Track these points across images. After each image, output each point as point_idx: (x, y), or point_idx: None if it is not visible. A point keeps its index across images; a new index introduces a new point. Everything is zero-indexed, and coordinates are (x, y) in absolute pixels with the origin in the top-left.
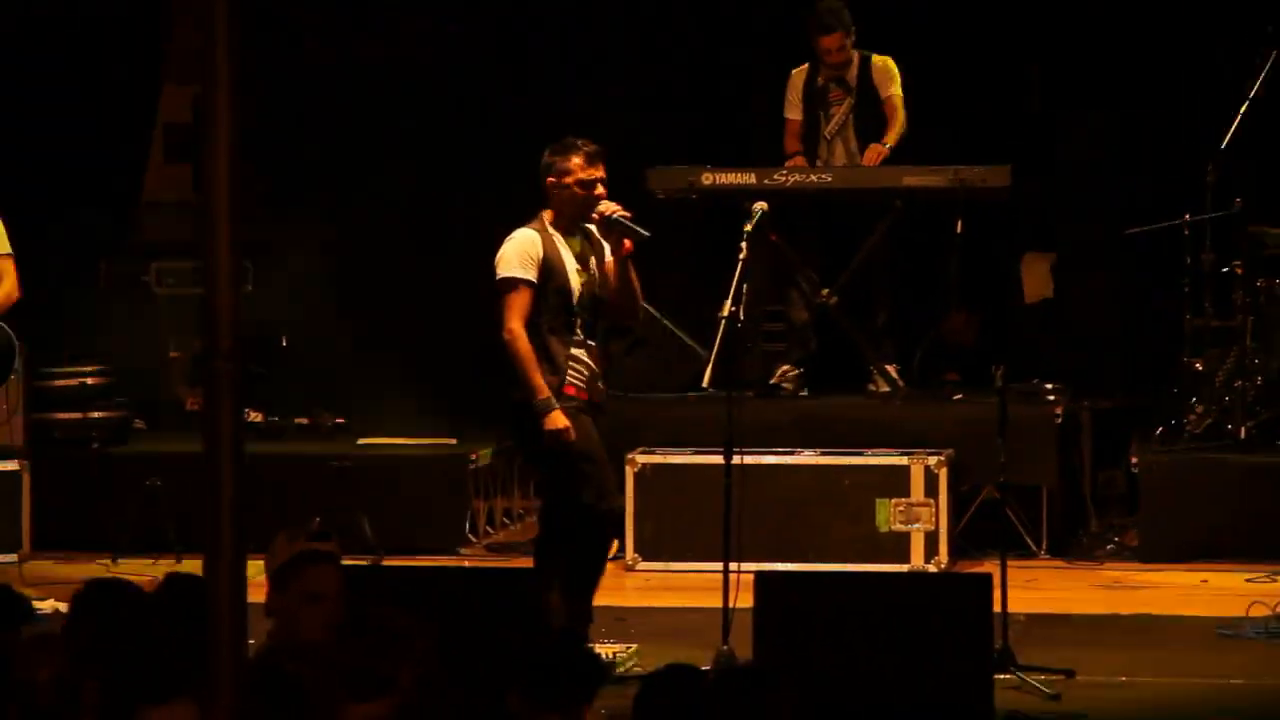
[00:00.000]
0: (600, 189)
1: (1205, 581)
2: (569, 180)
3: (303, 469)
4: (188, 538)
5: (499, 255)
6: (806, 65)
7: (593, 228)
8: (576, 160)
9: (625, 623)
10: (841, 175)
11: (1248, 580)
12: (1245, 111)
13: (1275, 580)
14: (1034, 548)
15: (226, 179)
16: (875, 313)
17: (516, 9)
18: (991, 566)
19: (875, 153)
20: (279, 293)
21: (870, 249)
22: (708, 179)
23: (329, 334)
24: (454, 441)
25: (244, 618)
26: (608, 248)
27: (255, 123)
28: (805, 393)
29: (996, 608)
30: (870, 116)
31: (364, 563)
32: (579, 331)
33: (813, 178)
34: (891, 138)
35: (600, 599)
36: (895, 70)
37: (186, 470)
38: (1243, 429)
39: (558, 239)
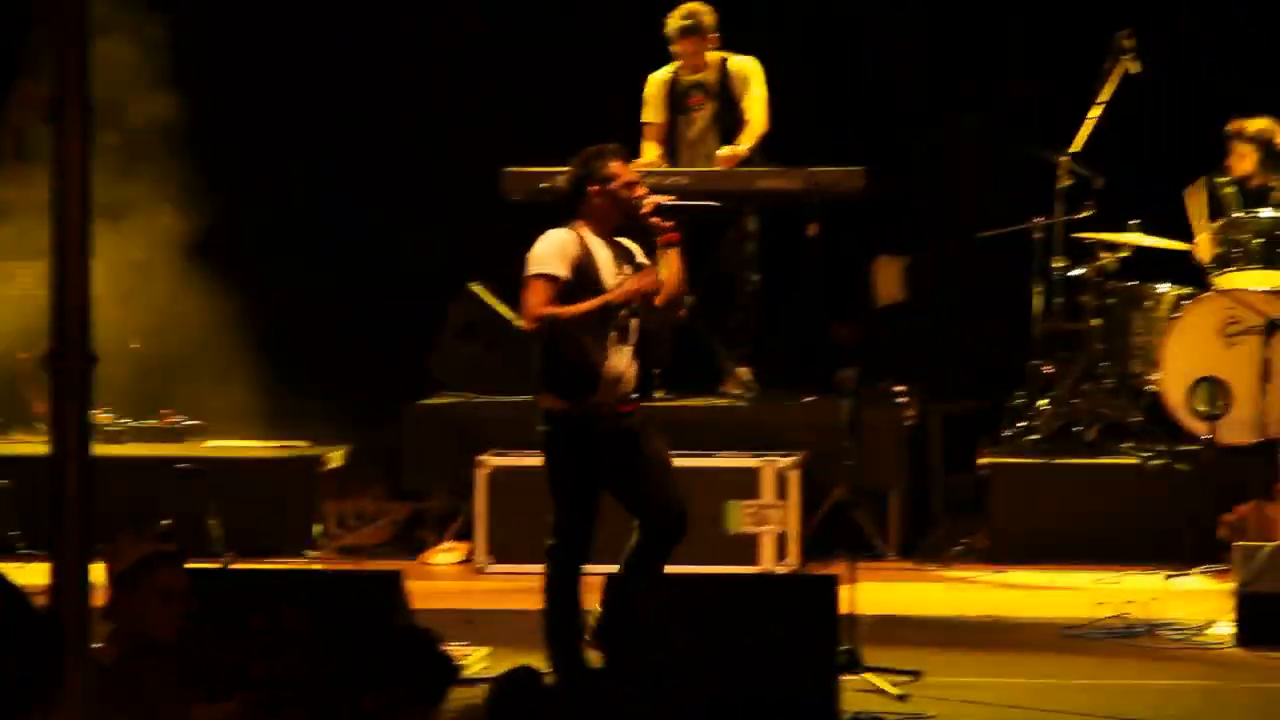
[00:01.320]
0: (641, 188)
1: (1052, 583)
2: (615, 185)
3: (151, 471)
4: (33, 540)
5: (531, 252)
6: (666, 69)
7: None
8: (615, 164)
9: (475, 625)
10: (697, 178)
11: (1095, 582)
12: (1096, 117)
13: (1121, 582)
14: (883, 550)
15: (79, 184)
16: (731, 315)
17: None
18: (841, 568)
19: (729, 155)
20: (130, 293)
21: (725, 252)
22: (563, 180)
23: (180, 335)
24: (305, 444)
25: (89, 618)
26: (637, 253)
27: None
28: (660, 395)
29: (845, 609)
30: (733, 120)
31: (214, 565)
32: (617, 338)
33: (668, 180)
34: (747, 139)
35: (450, 601)
36: (756, 72)
37: (32, 472)
38: (1089, 431)
39: (596, 243)
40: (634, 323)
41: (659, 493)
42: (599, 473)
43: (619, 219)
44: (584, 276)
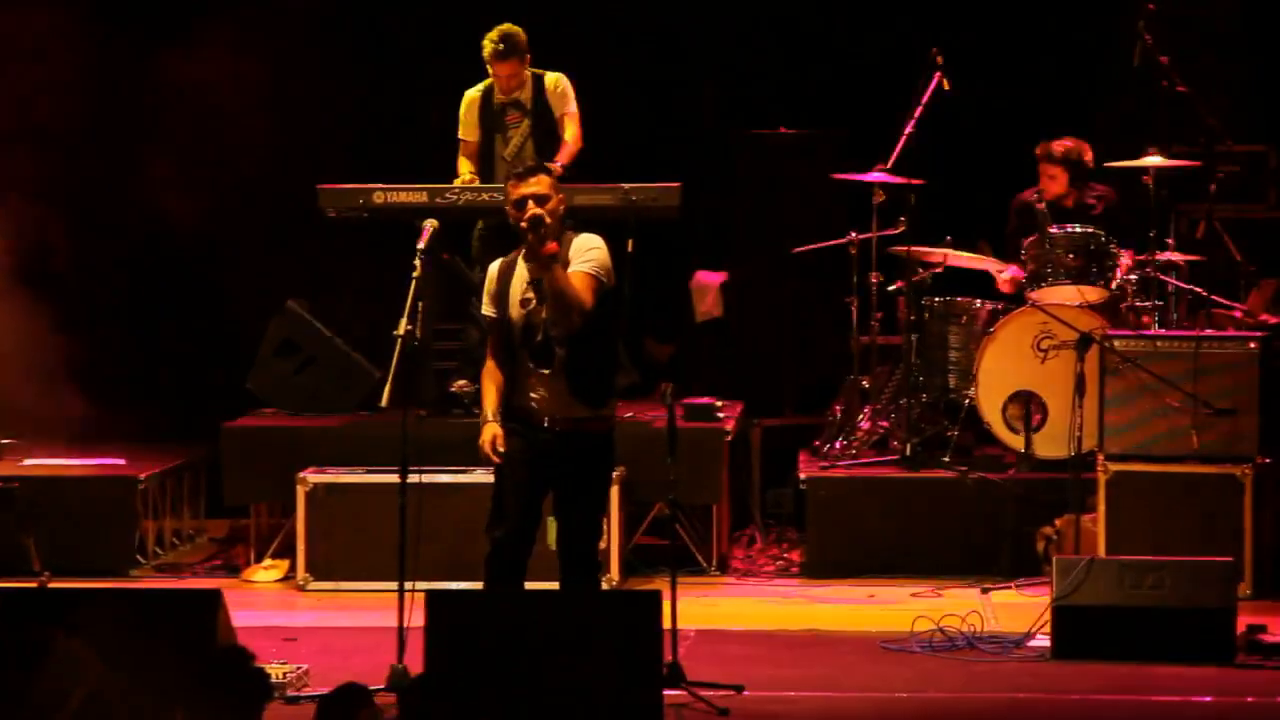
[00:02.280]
0: (530, 205)
1: (872, 597)
2: (509, 208)
3: None
4: None
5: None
6: (482, 86)
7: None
8: (510, 184)
9: (296, 643)
10: None
11: (913, 595)
12: (911, 133)
13: (940, 595)
14: (705, 564)
15: None
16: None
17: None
18: (663, 583)
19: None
20: None
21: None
22: (379, 197)
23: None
24: (123, 461)
25: None
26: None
27: None
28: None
29: (667, 624)
30: (549, 136)
31: (31, 585)
32: (529, 363)
33: (484, 196)
34: (564, 156)
35: (270, 619)
36: (568, 87)
37: None
38: (907, 445)
39: (519, 268)
40: None
41: None
42: None
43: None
44: (499, 308)
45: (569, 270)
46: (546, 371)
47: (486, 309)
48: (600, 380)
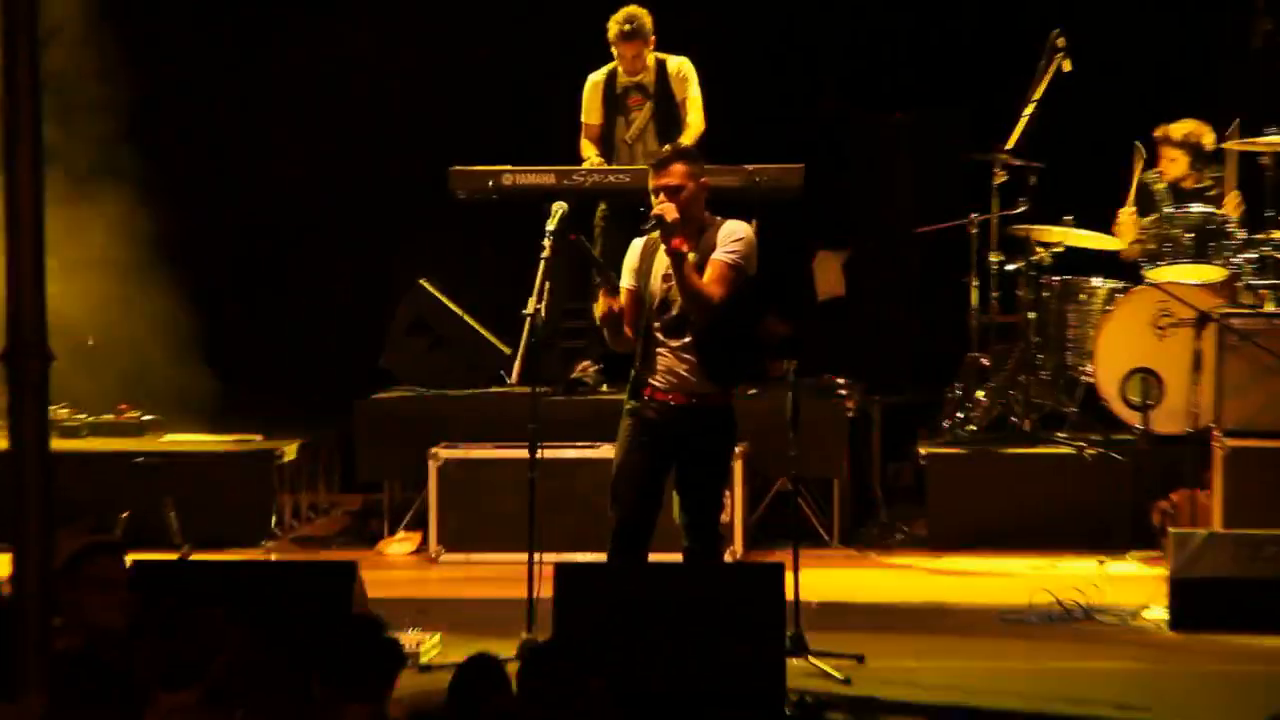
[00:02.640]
0: (661, 197)
1: (991, 570)
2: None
3: (110, 465)
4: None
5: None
6: (605, 69)
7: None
8: (650, 174)
9: (428, 614)
10: (637, 176)
11: (1032, 568)
12: (1030, 115)
13: (1058, 568)
14: (826, 537)
15: (31, 188)
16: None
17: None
18: (785, 556)
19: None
20: (86, 291)
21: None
22: (508, 179)
23: (137, 333)
24: (260, 437)
25: (50, 606)
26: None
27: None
28: (605, 388)
29: (790, 596)
30: (671, 119)
31: (172, 557)
32: (658, 334)
33: (610, 178)
34: (686, 139)
35: (403, 591)
36: (691, 72)
37: None
38: (1025, 421)
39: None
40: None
41: None
42: None
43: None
44: (640, 281)
45: (713, 256)
46: (676, 344)
47: (626, 280)
48: (730, 359)
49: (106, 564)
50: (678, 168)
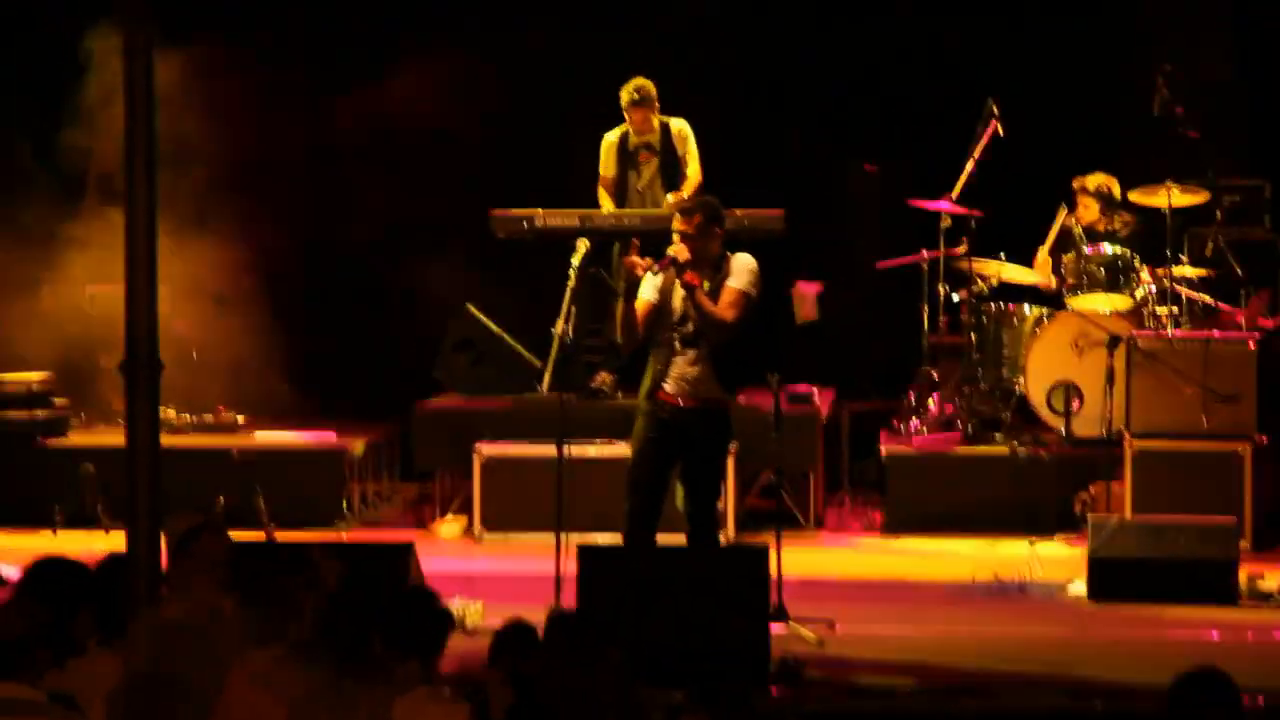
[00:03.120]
0: (676, 239)
1: (940, 551)
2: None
3: (209, 458)
4: (114, 514)
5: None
6: (619, 130)
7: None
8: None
9: (473, 585)
10: (647, 219)
11: (974, 549)
12: (970, 169)
13: (995, 549)
14: (803, 522)
15: (145, 227)
16: None
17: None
18: (769, 538)
19: (674, 201)
20: (191, 312)
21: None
22: (540, 221)
23: (233, 345)
24: (333, 435)
25: (158, 578)
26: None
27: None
28: (620, 395)
29: (773, 572)
30: (674, 171)
31: (260, 536)
32: (675, 343)
33: (624, 221)
34: (687, 189)
35: (451, 566)
36: (690, 132)
37: (113, 459)
38: (969, 425)
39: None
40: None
41: None
42: None
43: None
44: (663, 299)
45: (727, 283)
46: (691, 354)
47: (648, 294)
48: (736, 368)
49: (211, 544)
50: (696, 218)
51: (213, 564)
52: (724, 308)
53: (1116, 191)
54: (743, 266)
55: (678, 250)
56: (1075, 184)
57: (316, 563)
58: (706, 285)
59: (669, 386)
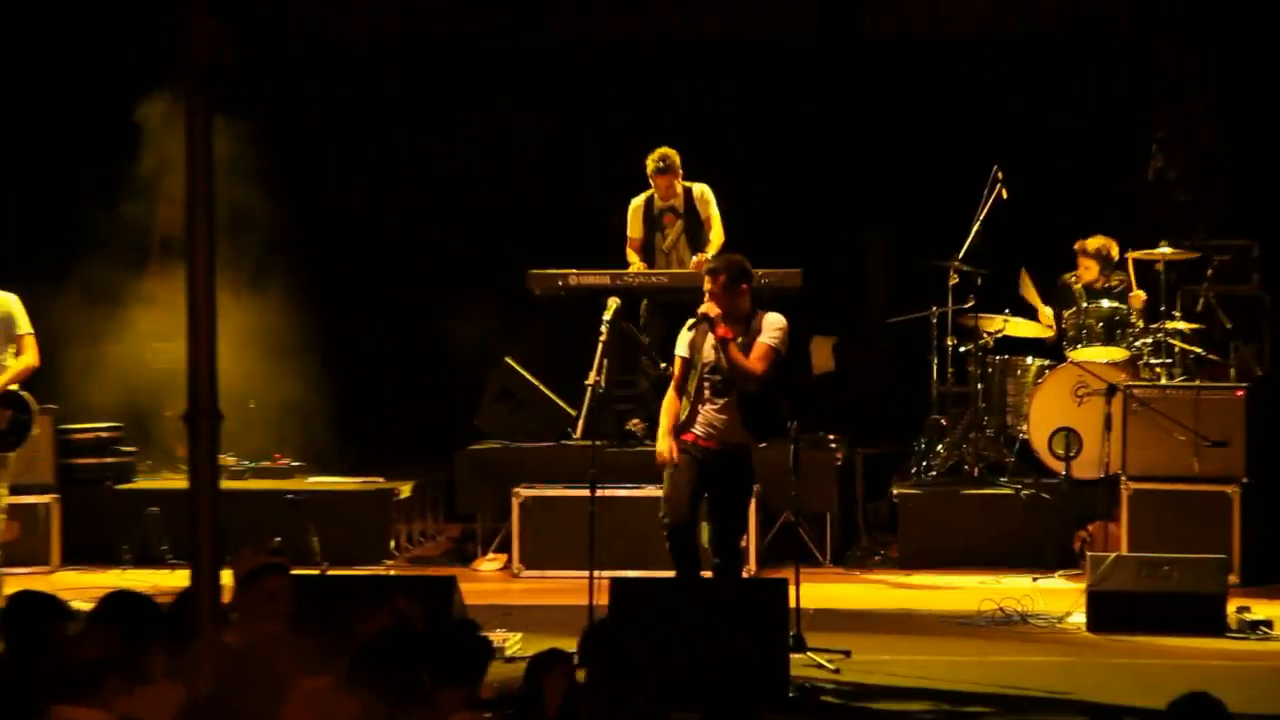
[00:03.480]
0: (707, 296)
1: (948, 585)
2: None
3: (266, 501)
4: (178, 553)
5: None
6: (645, 195)
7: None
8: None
9: (512, 617)
10: (674, 277)
11: (980, 583)
12: (976, 231)
13: (1000, 583)
14: (820, 559)
15: (205, 287)
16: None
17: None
18: (788, 573)
19: (698, 261)
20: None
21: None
22: (573, 280)
23: (288, 397)
24: (381, 480)
25: (219, 611)
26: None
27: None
28: (648, 441)
29: (792, 604)
30: (697, 233)
31: (314, 572)
32: (706, 391)
33: (653, 279)
34: (711, 249)
35: (491, 599)
36: (711, 196)
37: (176, 502)
38: (975, 469)
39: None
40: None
41: None
42: None
43: None
44: (693, 352)
45: (758, 339)
46: (720, 401)
47: (681, 350)
48: (767, 416)
49: (275, 581)
50: (722, 277)
51: (275, 597)
52: (754, 360)
53: (1115, 252)
54: (773, 324)
55: (708, 307)
56: (1076, 246)
57: (397, 604)
58: (740, 339)
59: (697, 429)
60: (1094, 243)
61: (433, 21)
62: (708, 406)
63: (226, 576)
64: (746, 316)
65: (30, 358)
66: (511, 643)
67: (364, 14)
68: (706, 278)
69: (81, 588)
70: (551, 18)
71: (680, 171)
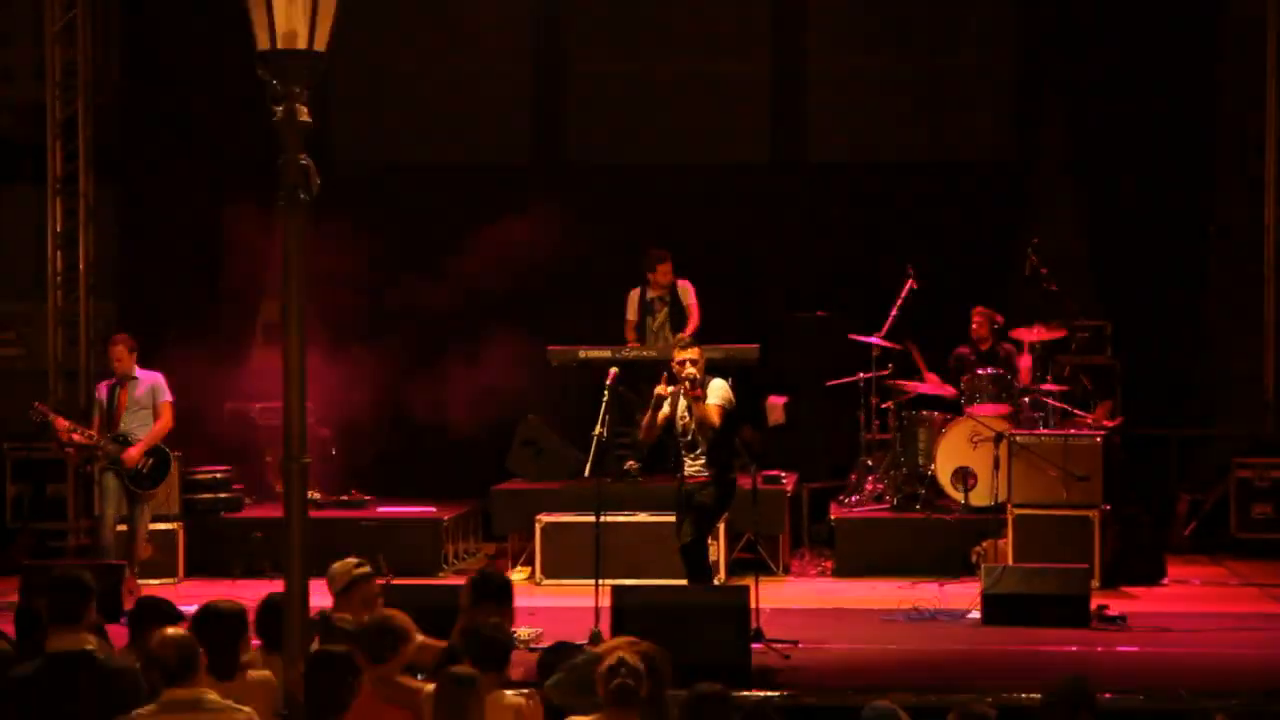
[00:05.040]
0: (688, 365)
1: (875, 589)
2: (673, 364)
3: (344, 526)
4: (276, 567)
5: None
6: (639, 288)
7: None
8: (675, 350)
9: (535, 616)
10: (661, 351)
11: (899, 588)
12: (894, 314)
13: (915, 588)
14: (775, 569)
15: (297, 351)
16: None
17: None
18: (750, 581)
19: (680, 339)
20: (331, 416)
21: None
22: (584, 354)
23: (360, 443)
24: (434, 509)
25: (308, 614)
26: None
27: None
28: (642, 479)
29: (753, 604)
30: (679, 317)
31: (381, 582)
32: (682, 450)
33: (645, 353)
34: (690, 328)
35: (519, 601)
36: (691, 288)
37: (276, 527)
38: (895, 499)
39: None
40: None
41: None
42: None
43: None
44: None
45: (708, 401)
46: (691, 455)
47: (666, 410)
48: (721, 455)
49: (368, 588)
50: (695, 350)
51: (368, 601)
52: (713, 416)
53: (1000, 320)
54: (715, 388)
55: (691, 374)
56: (973, 310)
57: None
58: (702, 396)
59: (685, 473)
60: (984, 309)
61: (476, 151)
62: (685, 460)
63: (317, 587)
64: (703, 383)
65: (167, 420)
66: (533, 636)
67: (425, 143)
68: (682, 349)
69: (199, 594)
70: (567, 147)
71: (671, 270)
